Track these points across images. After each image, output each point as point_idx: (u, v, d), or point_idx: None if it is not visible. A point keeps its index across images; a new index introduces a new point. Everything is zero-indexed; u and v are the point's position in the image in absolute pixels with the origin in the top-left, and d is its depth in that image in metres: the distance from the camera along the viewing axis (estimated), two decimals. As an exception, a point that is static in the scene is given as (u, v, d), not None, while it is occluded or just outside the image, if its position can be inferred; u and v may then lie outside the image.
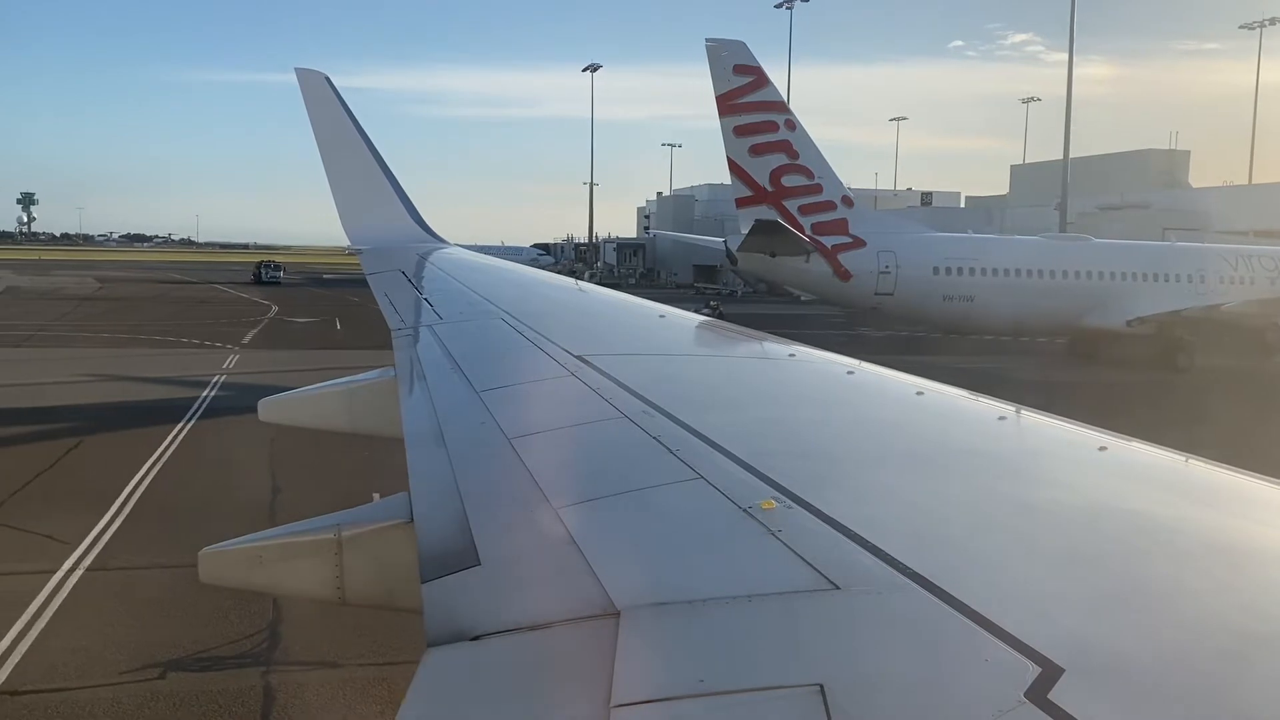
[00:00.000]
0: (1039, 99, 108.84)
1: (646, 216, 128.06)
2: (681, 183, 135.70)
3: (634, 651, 1.96)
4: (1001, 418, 4.07)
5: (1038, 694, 1.66)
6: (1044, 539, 2.57)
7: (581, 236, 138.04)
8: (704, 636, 2.01)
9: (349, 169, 13.47)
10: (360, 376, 6.67)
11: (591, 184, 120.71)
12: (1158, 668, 1.83)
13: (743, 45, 37.58)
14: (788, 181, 37.00)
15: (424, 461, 3.61)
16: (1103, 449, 3.50)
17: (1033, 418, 4.06)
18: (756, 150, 36.74)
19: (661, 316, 7.15)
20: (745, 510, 2.64)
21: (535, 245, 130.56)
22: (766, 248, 36.49)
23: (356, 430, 6.71)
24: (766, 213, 36.43)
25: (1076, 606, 2.11)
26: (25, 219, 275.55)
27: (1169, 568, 2.39)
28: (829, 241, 36.80)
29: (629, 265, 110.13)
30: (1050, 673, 1.72)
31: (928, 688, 1.78)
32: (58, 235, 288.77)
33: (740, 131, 36.74)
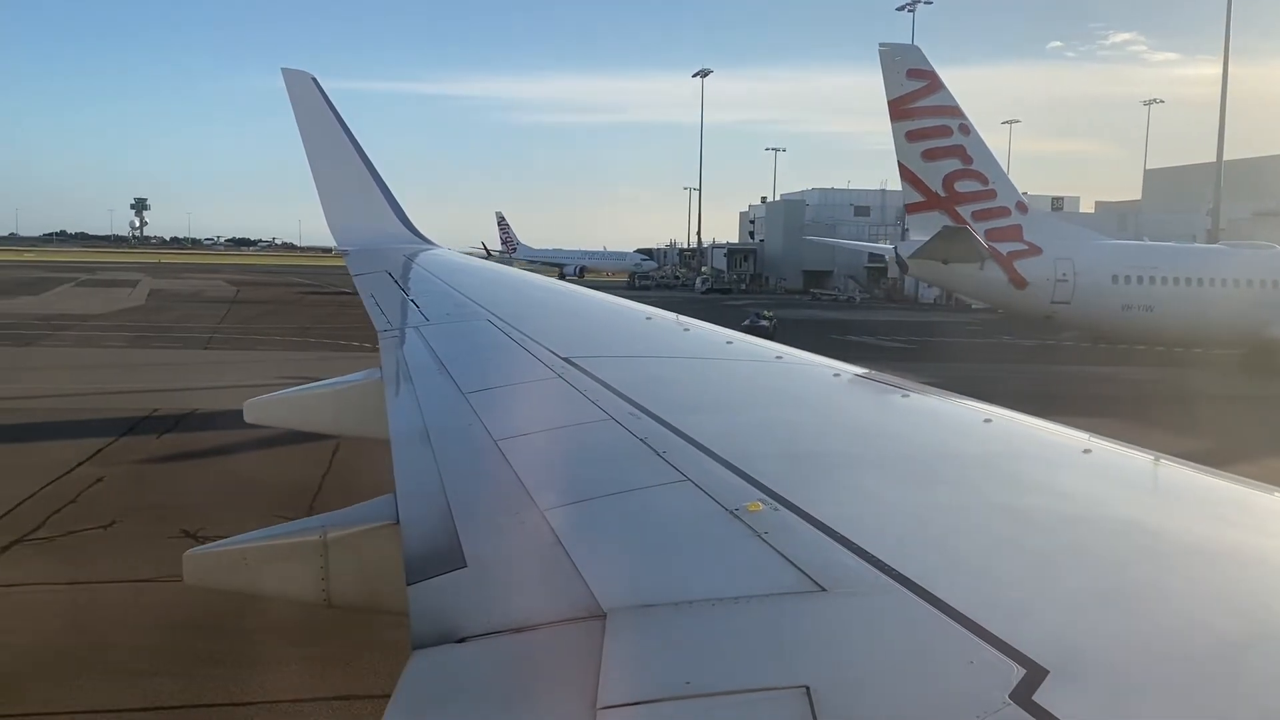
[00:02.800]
0: (1161, 100, 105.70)
1: (751, 221, 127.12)
2: (785, 188, 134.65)
3: (620, 653, 1.95)
4: (987, 420, 4.02)
5: (1022, 695, 1.66)
6: (1029, 541, 2.56)
7: (683, 242, 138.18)
8: (690, 638, 2.01)
9: (335, 170, 13.40)
10: (346, 378, 6.64)
11: (700, 189, 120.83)
12: (1141, 669, 1.84)
13: (917, 49, 36.97)
14: (961, 187, 36.22)
15: (410, 463, 3.58)
16: (1087, 451, 3.50)
17: (1017, 420, 4.04)
18: (929, 155, 36.05)
19: (648, 319, 7.08)
20: (732, 512, 2.64)
21: (638, 250, 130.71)
22: (940, 254, 35.72)
23: (343, 432, 6.67)
24: (939, 219, 35.71)
25: (1061, 608, 2.11)
26: (138, 223, 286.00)
27: (1152, 570, 2.40)
28: (1004, 248, 35.88)
29: (739, 270, 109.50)
30: (1035, 674, 1.72)
31: (913, 689, 1.78)
32: (168, 239, 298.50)
33: (913, 136, 36.09)
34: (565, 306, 8.74)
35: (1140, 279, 36.27)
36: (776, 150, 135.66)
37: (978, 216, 35.91)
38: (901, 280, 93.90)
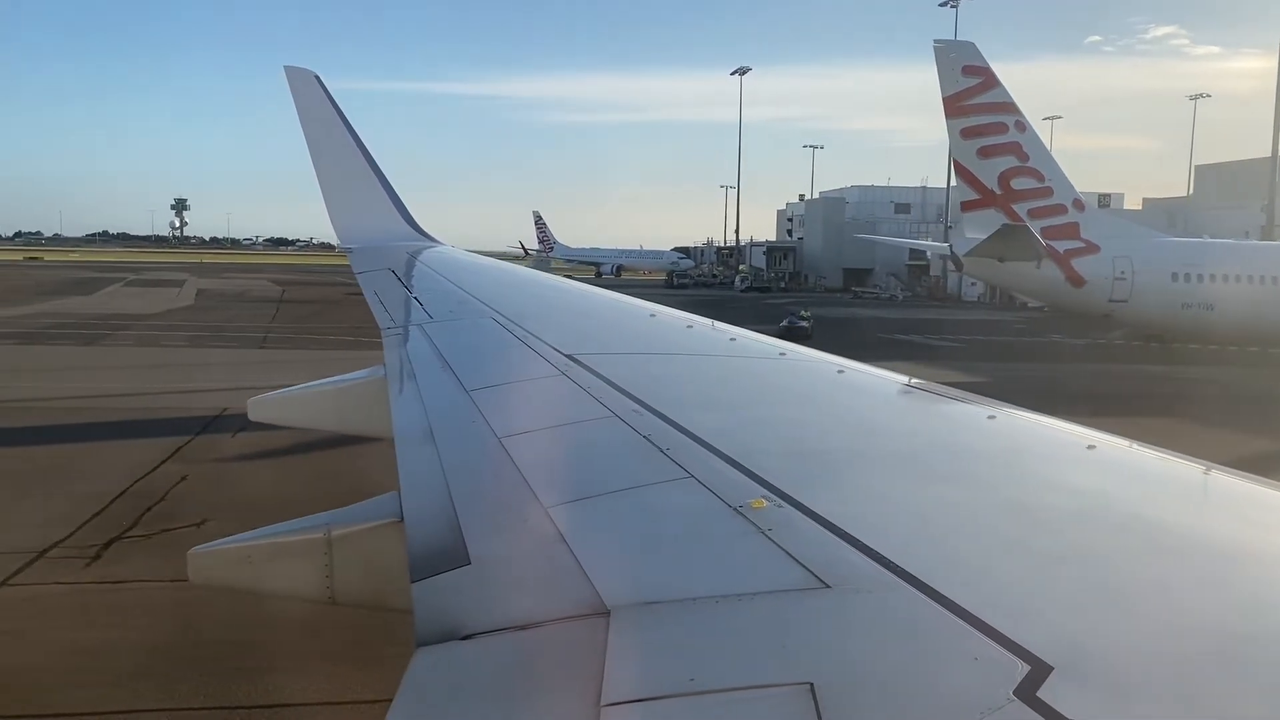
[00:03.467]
0: (1208, 95, 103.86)
1: (789, 219, 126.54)
2: (822, 185, 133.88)
3: (624, 650, 1.95)
4: (991, 416, 4.00)
5: (1026, 692, 1.65)
6: (1033, 537, 2.55)
7: (720, 240, 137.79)
8: (694, 635, 2.00)
9: (338, 167, 13.38)
10: (350, 376, 6.60)
11: (739, 187, 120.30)
12: (1146, 665, 1.83)
13: (972, 46, 36.64)
14: (1017, 184, 35.88)
15: (414, 461, 3.56)
16: (1091, 448, 3.48)
17: (1022, 417, 4.01)
18: (985, 152, 35.73)
19: (652, 316, 7.05)
20: (736, 509, 2.63)
21: (675, 249, 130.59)
22: (997, 252, 35.38)
23: (346, 430, 6.63)
24: (994, 216, 35.37)
25: (1065, 605, 2.10)
26: (178, 224, 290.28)
27: (1157, 566, 2.38)
28: (1060, 246, 35.48)
29: (778, 268, 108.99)
30: (1039, 671, 1.72)
31: (917, 686, 1.77)
32: (207, 239, 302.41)
33: (968, 133, 35.79)
34: (569, 304, 8.71)
35: (1201, 277, 35.74)
36: (814, 148, 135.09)
37: (1034, 214, 35.54)
38: (944, 278, 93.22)
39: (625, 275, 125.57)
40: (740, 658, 1.92)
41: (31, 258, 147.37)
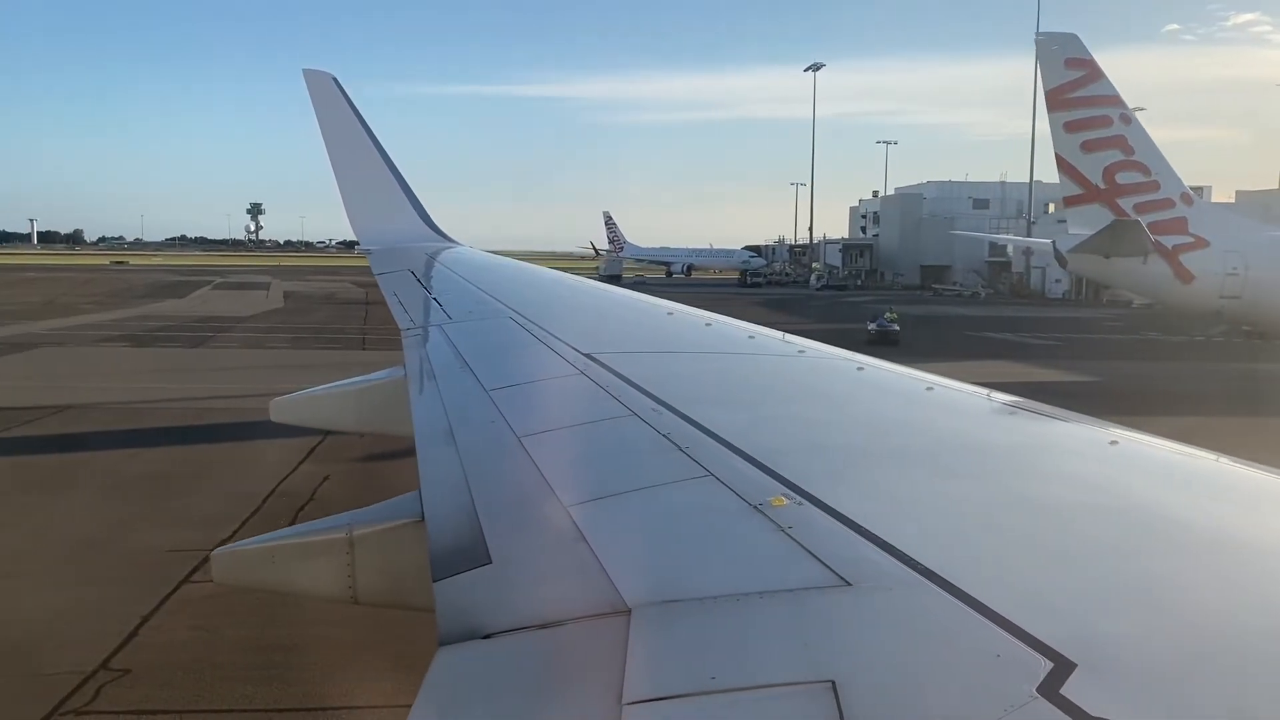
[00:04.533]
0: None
1: (863, 216, 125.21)
2: (895, 181, 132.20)
3: (645, 649, 1.94)
4: (1012, 413, 3.94)
5: (1050, 689, 1.64)
6: (1056, 534, 2.52)
7: (790, 238, 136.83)
8: (715, 634, 1.99)
9: (357, 169, 13.32)
10: (370, 376, 6.58)
11: (812, 184, 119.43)
12: (1171, 663, 1.81)
13: (1075, 38, 35.80)
14: (1122, 179, 34.99)
15: (434, 460, 3.56)
16: (1114, 443, 3.44)
17: (1044, 412, 3.95)
18: (1088, 146, 34.90)
19: (670, 314, 6.97)
20: (755, 507, 2.62)
21: (746, 248, 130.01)
22: (1103, 248, 34.53)
23: (367, 430, 6.75)
24: (1099, 211, 34.53)
25: (1089, 602, 2.08)
26: (253, 227, 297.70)
27: (1181, 563, 2.35)
28: (1169, 242, 34.49)
29: (854, 266, 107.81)
30: (1062, 668, 1.70)
31: (939, 683, 1.75)
32: (281, 242, 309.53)
33: (1071, 127, 35.00)
34: (587, 303, 8.66)
35: None
36: (888, 143, 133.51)
37: (1140, 209, 34.62)
38: (1026, 275, 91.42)
39: (695, 275, 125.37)
40: (761, 656, 1.91)
41: (118, 262, 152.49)
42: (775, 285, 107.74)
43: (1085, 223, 35.05)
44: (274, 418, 6.80)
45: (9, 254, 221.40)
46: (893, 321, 41.80)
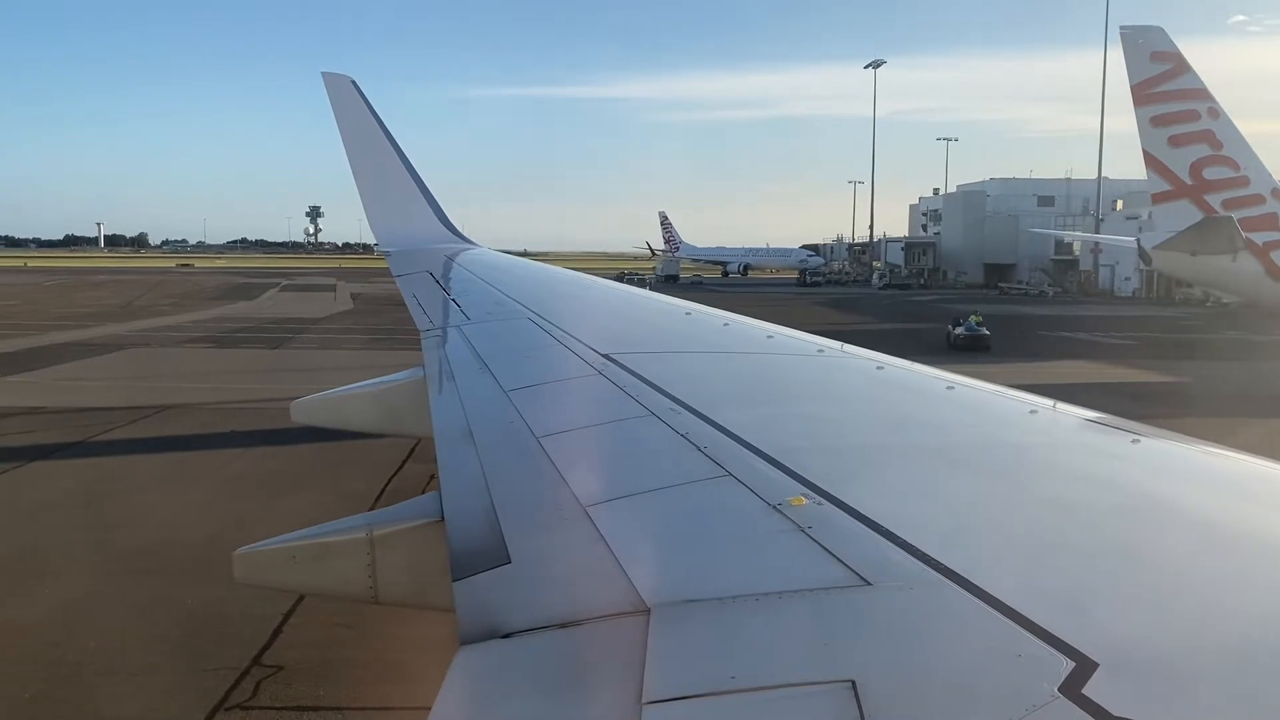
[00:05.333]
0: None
1: (924, 214, 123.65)
2: (955, 178, 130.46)
3: (665, 648, 1.94)
4: (1033, 411, 3.91)
5: (1071, 689, 1.63)
6: (1077, 533, 2.50)
7: (848, 236, 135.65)
8: (735, 633, 1.99)
9: (376, 171, 13.31)
10: (390, 377, 6.57)
11: (873, 183, 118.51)
12: (1194, 663, 1.79)
13: (1160, 31, 35.13)
14: (1210, 174, 34.25)
15: (454, 461, 3.57)
16: (1136, 441, 3.42)
17: (1065, 411, 3.92)
18: (1176, 141, 34.21)
19: (688, 314, 6.92)
20: (775, 507, 2.61)
21: (804, 246, 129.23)
22: (1190, 245, 33.80)
23: (387, 430, 6.59)
24: (1187, 208, 33.81)
25: (1111, 601, 2.06)
26: (312, 230, 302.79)
27: (1204, 563, 2.33)
28: (1259, 238, 33.66)
29: (917, 265, 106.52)
30: (1084, 667, 1.69)
31: (960, 683, 1.74)
32: (340, 245, 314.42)
33: (1158, 122, 34.34)
34: (605, 303, 8.63)
35: None
36: (948, 140, 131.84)
37: (1229, 205, 33.86)
38: (1095, 273, 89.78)
39: (752, 274, 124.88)
40: (781, 655, 1.90)
41: (183, 264, 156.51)
42: (835, 285, 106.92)
43: (1172, 220, 34.35)
44: (295, 419, 6.83)
45: (78, 256, 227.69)
46: (980, 325, 39.66)
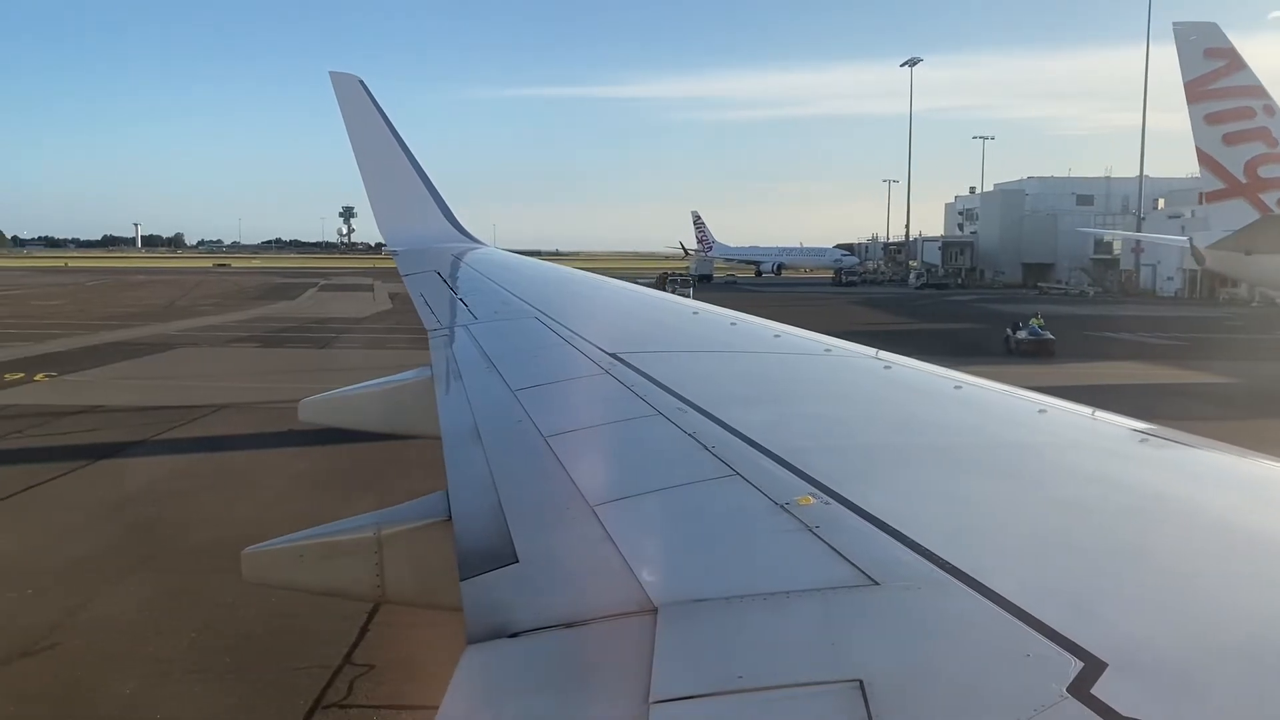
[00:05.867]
0: None
1: (960, 213, 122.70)
2: (991, 177, 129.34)
3: (672, 648, 1.93)
4: (1042, 411, 3.89)
5: (1080, 689, 1.62)
6: (1086, 533, 2.49)
7: (883, 236, 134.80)
8: (742, 633, 1.97)
9: (383, 171, 13.33)
10: (398, 377, 6.59)
11: (909, 181, 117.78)
12: (1204, 663, 1.78)
13: (1214, 27, 34.69)
14: (1265, 172, 33.84)
15: (461, 460, 3.56)
16: (1144, 441, 3.40)
17: (1073, 410, 3.90)
18: (1231, 139, 33.82)
19: (695, 313, 6.92)
20: (782, 506, 2.60)
21: (838, 246, 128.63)
22: (1244, 245, 33.32)
23: (394, 430, 6.58)
24: (1241, 207, 33.35)
25: (1120, 601, 2.05)
26: (345, 230, 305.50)
27: (1213, 563, 2.31)
28: None
29: (954, 264, 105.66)
30: (1093, 667, 1.68)
31: (967, 682, 1.73)
32: (373, 245, 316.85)
33: (1212, 119, 33.93)
34: (613, 302, 8.60)
35: None
36: (984, 138, 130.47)
37: None
38: (1136, 272, 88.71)
39: (786, 274, 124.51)
40: (789, 655, 1.89)
41: (220, 264, 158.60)
42: (871, 284, 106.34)
43: (1227, 219, 33.93)
44: (302, 418, 6.81)
45: (117, 256, 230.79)
46: (1044, 328, 38.00)
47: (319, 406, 6.87)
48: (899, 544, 2.31)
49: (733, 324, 6.51)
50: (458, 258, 11.91)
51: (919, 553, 2.24)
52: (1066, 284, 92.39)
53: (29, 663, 10.12)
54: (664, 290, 69.32)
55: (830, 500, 2.63)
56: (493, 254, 13.18)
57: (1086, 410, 3.91)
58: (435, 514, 3.28)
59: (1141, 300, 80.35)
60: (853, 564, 2.21)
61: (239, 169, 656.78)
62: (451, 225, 13.85)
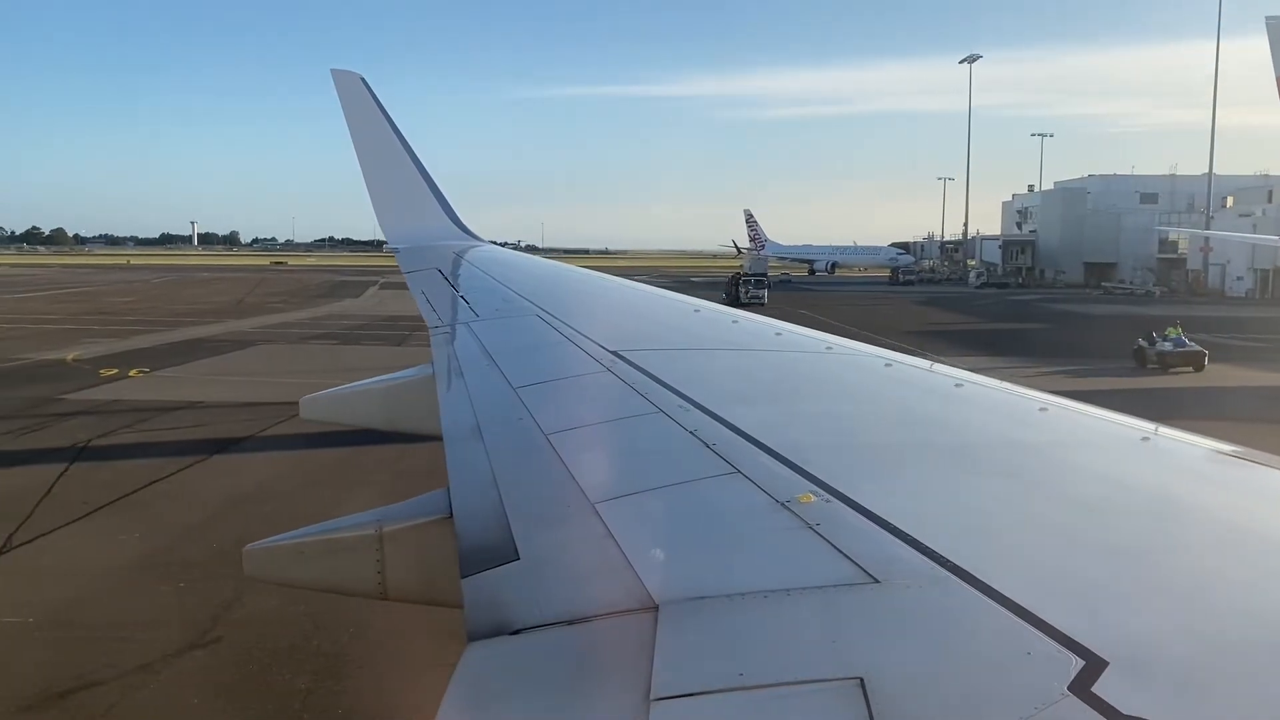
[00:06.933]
0: None
1: (1018, 211, 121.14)
2: (1050, 175, 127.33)
3: (673, 645, 1.93)
4: (1043, 409, 3.88)
5: (1081, 687, 1.62)
6: (1087, 531, 2.48)
7: (938, 234, 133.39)
8: (743, 630, 1.98)
9: (385, 168, 13.30)
10: (399, 374, 6.56)
11: (968, 180, 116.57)
12: (1205, 662, 1.77)
13: None
14: None
15: (462, 458, 3.56)
16: (1146, 440, 3.41)
17: (1074, 409, 3.89)
18: None
19: (696, 311, 6.91)
20: (783, 504, 2.60)
21: (893, 244, 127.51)
22: None
23: (396, 428, 6.56)
24: None
25: (1121, 599, 2.05)
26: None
27: (1214, 561, 2.31)
28: None
29: (1015, 263, 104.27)
30: (1094, 665, 1.68)
31: (969, 680, 1.74)
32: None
33: None
34: (614, 300, 8.58)
35: None
36: (1043, 136, 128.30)
37: None
38: (1205, 272, 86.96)
39: (839, 273, 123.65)
40: (789, 653, 1.89)
41: (277, 263, 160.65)
42: (928, 283, 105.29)
43: None
44: (303, 415, 6.79)
45: (174, 254, 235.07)
46: (1183, 338, 34.21)
47: (321, 404, 6.84)
48: (900, 542, 2.31)
49: (734, 321, 6.51)
50: (459, 255, 11.90)
51: (920, 551, 2.24)
52: (1131, 283, 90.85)
53: (201, 655, 10.38)
54: (737, 291, 66.74)
55: (831, 498, 2.63)
56: (494, 252, 13.20)
57: (1088, 409, 3.90)
58: (436, 511, 3.27)
59: (1212, 301, 78.64)
60: (854, 562, 2.21)
61: (293, 168, 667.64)
62: (453, 223, 13.83)
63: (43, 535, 14.36)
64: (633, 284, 9.37)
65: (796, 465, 2.93)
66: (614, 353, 4.93)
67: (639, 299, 8.47)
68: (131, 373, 30.40)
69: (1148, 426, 3.55)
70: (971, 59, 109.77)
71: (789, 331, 5.93)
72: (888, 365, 4.85)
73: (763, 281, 68.32)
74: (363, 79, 13.60)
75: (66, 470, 18.14)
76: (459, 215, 13.70)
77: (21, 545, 13.95)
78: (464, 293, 9.14)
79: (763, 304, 61.02)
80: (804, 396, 4.41)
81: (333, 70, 13.52)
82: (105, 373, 30.24)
